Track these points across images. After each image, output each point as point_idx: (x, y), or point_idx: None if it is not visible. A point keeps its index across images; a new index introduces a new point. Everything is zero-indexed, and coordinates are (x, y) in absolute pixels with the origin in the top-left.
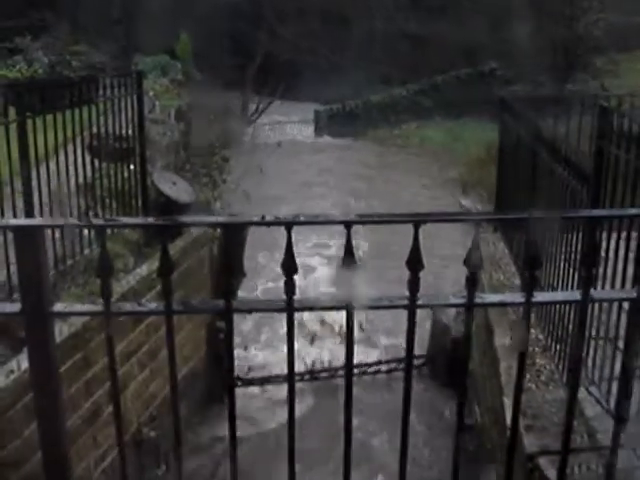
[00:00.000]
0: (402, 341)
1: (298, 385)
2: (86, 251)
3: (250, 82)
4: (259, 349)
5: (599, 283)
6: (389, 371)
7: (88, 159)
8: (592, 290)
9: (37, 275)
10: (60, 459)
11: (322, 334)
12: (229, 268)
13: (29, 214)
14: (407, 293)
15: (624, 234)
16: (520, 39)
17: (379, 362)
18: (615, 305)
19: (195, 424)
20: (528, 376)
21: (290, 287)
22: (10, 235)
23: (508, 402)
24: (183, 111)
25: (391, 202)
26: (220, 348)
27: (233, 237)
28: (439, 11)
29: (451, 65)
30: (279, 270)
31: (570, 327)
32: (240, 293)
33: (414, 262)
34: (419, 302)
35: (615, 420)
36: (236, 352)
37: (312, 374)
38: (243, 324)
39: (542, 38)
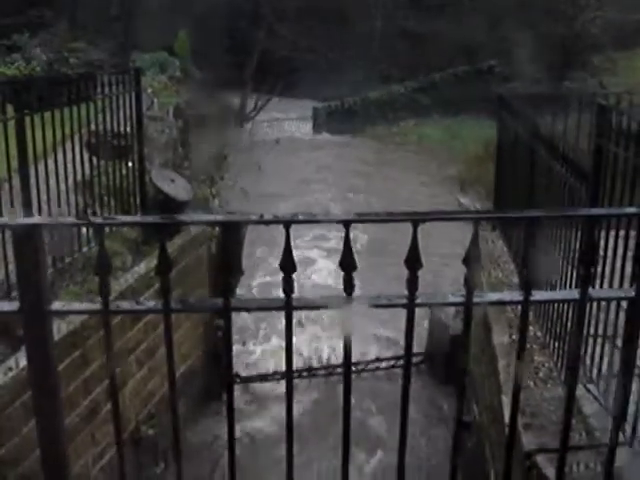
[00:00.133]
0: (400, 337)
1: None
2: (84, 249)
3: (248, 79)
4: (257, 344)
5: (597, 281)
6: (388, 368)
7: (86, 156)
8: (590, 289)
9: (35, 274)
10: (58, 457)
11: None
12: (227, 267)
13: (27, 212)
14: (406, 292)
15: (622, 232)
16: (518, 37)
17: (377, 359)
18: (613, 303)
19: (193, 422)
20: (526, 374)
21: (288, 286)
22: (8, 233)
23: (506, 400)
24: (181, 108)
25: (389, 199)
26: (219, 345)
27: (231, 235)
28: (438, 9)
29: (449, 63)
30: (277, 265)
31: (568, 325)
32: (238, 290)
33: (413, 261)
34: (418, 301)
35: (613, 418)
36: (234, 347)
37: (310, 371)
38: (241, 319)
39: (540, 36)
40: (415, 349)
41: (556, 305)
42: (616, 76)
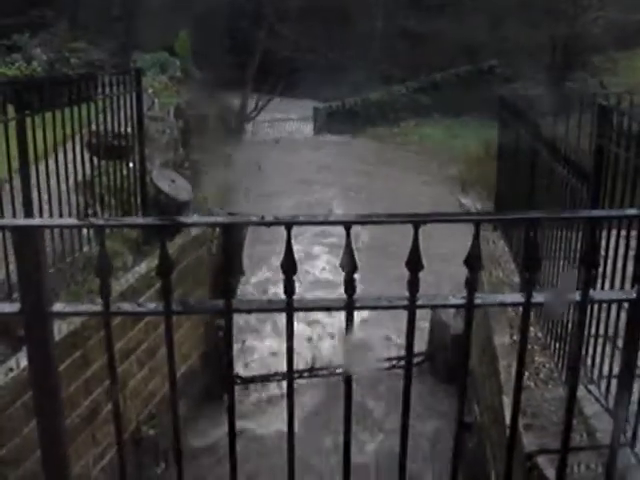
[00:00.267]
0: (401, 337)
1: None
2: (85, 249)
3: (249, 80)
4: (258, 340)
5: (598, 281)
6: (389, 368)
7: (87, 157)
8: (592, 291)
9: (36, 275)
10: (59, 457)
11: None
12: (228, 268)
13: (28, 212)
14: (407, 293)
15: (624, 232)
16: (519, 37)
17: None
18: (614, 303)
19: (194, 422)
20: (527, 374)
21: (289, 287)
22: (9, 234)
23: (507, 400)
24: (182, 109)
25: (390, 199)
26: (219, 346)
27: (232, 236)
28: (438, 9)
29: (451, 63)
30: (278, 263)
31: (569, 325)
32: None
33: (414, 262)
34: (419, 302)
35: (614, 419)
36: (235, 347)
37: (312, 371)
38: (242, 319)
39: (541, 36)
40: (416, 349)
41: None
42: (616, 76)
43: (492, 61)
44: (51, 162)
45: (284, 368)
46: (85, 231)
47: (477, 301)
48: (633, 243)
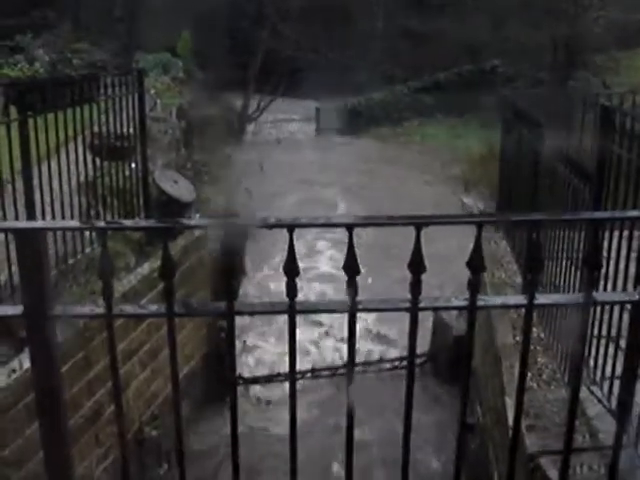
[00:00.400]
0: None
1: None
2: (87, 250)
3: (252, 80)
4: (260, 340)
5: (601, 282)
6: (392, 369)
7: (89, 158)
8: (594, 293)
9: (39, 278)
10: (62, 458)
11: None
12: (230, 269)
13: (30, 214)
14: (409, 295)
15: (626, 233)
16: (521, 37)
17: (381, 360)
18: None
19: (196, 423)
20: (530, 375)
21: (292, 289)
22: (11, 236)
23: (510, 401)
24: (184, 109)
25: (394, 199)
26: (222, 346)
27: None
28: (440, 9)
29: (453, 63)
30: (280, 259)
31: (572, 326)
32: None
33: (416, 264)
34: (421, 305)
35: (617, 420)
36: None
37: (314, 372)
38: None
39: (543, 35)
40: (419, 349)
41: None
42: (618, 75)
43: (494, 61)
44: (53, 163)
45: (287, 368)
46: (87, 233)
47: (480, 303)
48: (635, 244)
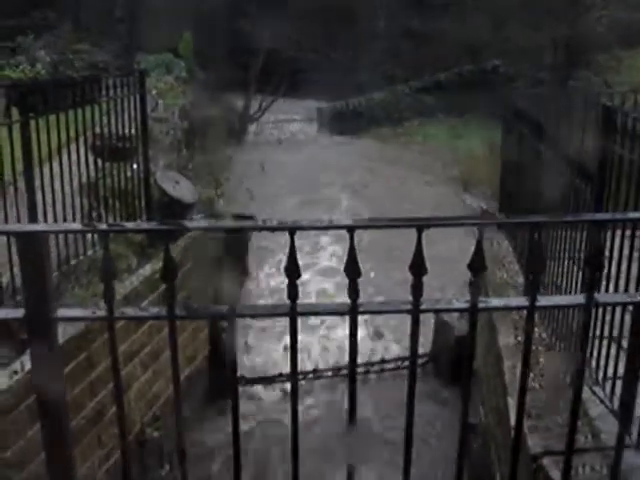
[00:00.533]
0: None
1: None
2: (89, 252)
3: (253, 80)
4: (260, 339)
5: (603, 282)
6: (394, 369)
7: (91, 159)
8: (596, 294)
9: (40, 280)
10: (64, 459)
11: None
12: (232, 271)
13: (32, 215)
14: (410, 297)
15: (628, 232)
16: (522, 36)
17: (383, 361)
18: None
19: (198, 423)
20: (532, 375)
21: (293, 291)
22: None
23: (512, 402)
24: (187, 110)
25: (395, 199)
26: (223, 347)
27: (237, 239)
28: (441, 9)
29: (454, 63)
30: (282, 256)
31: (574, 326)
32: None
33: (417, 266)
34: (423, 307)
35: (619, 420)
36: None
37: (316, 373)
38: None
39: (545, 35)
40: (420, 350)
41: None
42: (620, 75)
43: (495, 61)
44: (55, 165)
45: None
46: (89, 235)
47: (481, 305)
48: (637, 243)
